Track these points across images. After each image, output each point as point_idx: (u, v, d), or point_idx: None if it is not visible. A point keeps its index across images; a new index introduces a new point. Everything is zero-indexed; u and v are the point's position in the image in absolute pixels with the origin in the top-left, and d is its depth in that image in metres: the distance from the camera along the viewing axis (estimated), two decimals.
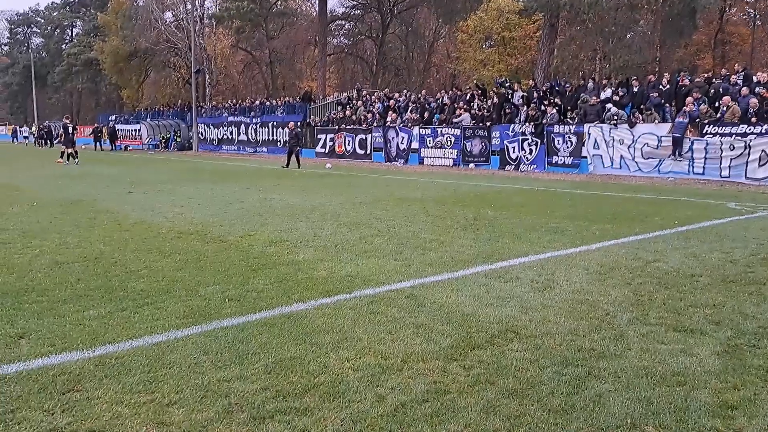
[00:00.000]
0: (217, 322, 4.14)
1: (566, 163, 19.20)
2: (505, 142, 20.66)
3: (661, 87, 18.31)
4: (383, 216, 9.12)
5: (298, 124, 25.41)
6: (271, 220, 8.70)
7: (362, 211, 9.73)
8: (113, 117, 49.35)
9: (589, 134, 18.61)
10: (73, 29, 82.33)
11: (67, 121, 25.33)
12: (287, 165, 21.01)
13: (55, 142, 44.93)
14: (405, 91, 29.04)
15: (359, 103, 27.72)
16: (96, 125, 42.34)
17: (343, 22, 50.13)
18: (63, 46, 79.99)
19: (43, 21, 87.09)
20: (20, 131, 56.12)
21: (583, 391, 3.12)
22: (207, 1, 39.54)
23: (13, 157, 29.52)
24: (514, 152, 20.47)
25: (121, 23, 45.19)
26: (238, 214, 9.23)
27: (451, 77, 49.10)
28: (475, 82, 25.65)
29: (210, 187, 13.59)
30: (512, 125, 20.57)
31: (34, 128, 51.01)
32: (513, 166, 20.34)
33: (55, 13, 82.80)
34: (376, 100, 27.60)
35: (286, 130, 23.39)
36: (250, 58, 48.87)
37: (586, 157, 18.75)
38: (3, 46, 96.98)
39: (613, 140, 18.07)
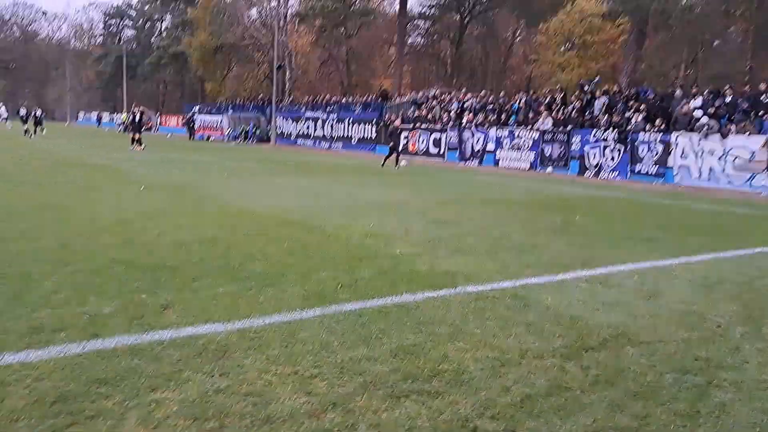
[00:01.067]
0: (336, 306, 4.41)
1: (650, 172, 18.68)
2: (586, 147, 20.31)
3: (761, 99, 17.49)
4: (470, 215, 9.25)
5: (393, 121, 23.53)
6: (362, 213, 9.00)
7: (448, 209, 9.90)
8: (196, 108, 51.59)
9: (677, 143, 18.06)
10: (163, 23, 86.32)
11: (137, 109, 26.73)
12: (384, 162, 19.78)
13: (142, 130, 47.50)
14: (482, 92, 28.93)
15: (435, 102, 27.84)
16: (187, 115, 44.34)
17: (420, 22, 50.32)
18: (152, 38, 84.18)
19: (135, 14, 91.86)
20: (115, 118, 59.37)
21: (707, 399, 3.18)
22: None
23: (106, 142, 31.35)
24: (594, 158, 20.09)
25: (210, 18, 47.17)
26: (330, 206, 9.59)
27: (527, 80, 48.42)
28: (559, 85, 25.18)
29: (297, 180, 14.11)
30: (594, 130, 20.20)
31: (124, 116, 54.00)
32: (593, 173, 19.97)
33: (147, 7, 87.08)
34: (453, 100, 27.64)
35: (391, 127, 21.83)
36: (326, 55, 49.87)
37: (672, 167, 18.20)
38: (97, 37, 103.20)
39: (703, 151, 17.47)
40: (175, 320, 3.98)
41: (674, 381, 3.39)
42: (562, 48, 39.12)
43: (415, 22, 48.61)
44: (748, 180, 16.27)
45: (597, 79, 23.87)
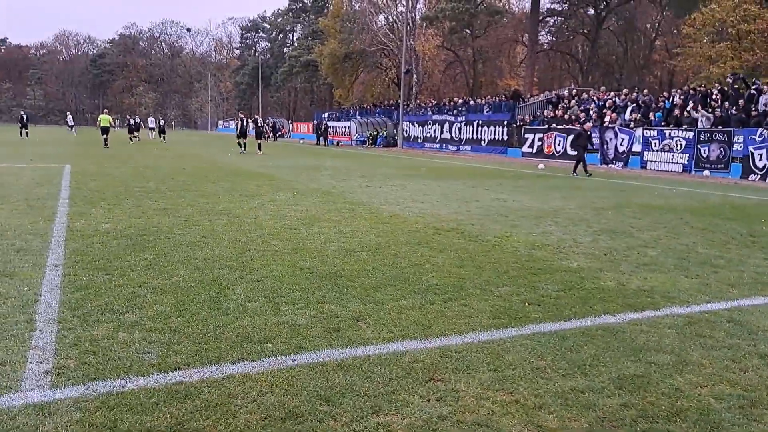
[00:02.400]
0: (533, 326, 4.13)
1: None
2: (750, 148, 18.34)
3: None
4: (638, 225, 8.55)
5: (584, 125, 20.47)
6: (518, 221, 8.62)
7: (610, 217, 9.24)
8: (326, 114, 53.56)
9: None
10: (294, 33, 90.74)
11: (242, 116, 29.87)
12: (575, 170, 18.19)
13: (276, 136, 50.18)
14: (624, 90, 27.19)
15: (573, 102, 26.58)
16: (318, 121, 46.17)
17: (551, 19, 48.54)
18: (284, 49, 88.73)
19: (269, 26, 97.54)
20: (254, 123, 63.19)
21: None
22: (419, 3, 40.82)
23: (252, 151, 33.27)
24: (761, 160, 18.09)
25: (340, 27, 48.71)
26: (482, 213, 9.30)
27: (669, 75, 45.00)
28: (729, 78, 23.02)
29: (436, 184, 13.97)
30: (760, 129, 18.18)
31: (260, 122, 57.34)
32: (759, 176, 17.99)
33: (279, 19, 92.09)
34: (592, 99, 26.23)
35: (579, 129, 19.49)
36: (452, 56, 49.59)
37: None
38: (235, 50, 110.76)
39: None
40: (371, 335, 3.90)
41: None
42: (712, 39, 35.87)
43: (545, 19, 46.99)
44: None
45: (738, 75, 21.59)
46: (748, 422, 2.88)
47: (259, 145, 28.05)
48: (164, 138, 40.81)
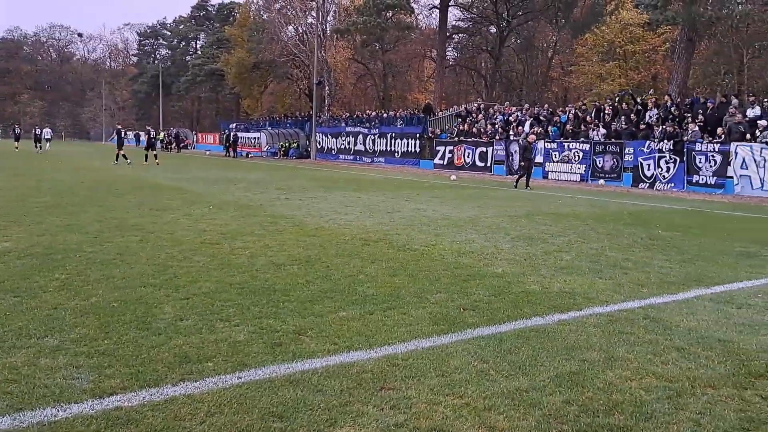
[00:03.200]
0: (471, 331, 4.26)
1: (709, 183, 18.16)
2: (640, 158, 19.87)
3: None
4: (551, 231, 9.02)
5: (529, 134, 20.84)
6: (441, 230, 8.84)
7: (524, 225, 9.68)
8: (233, 125, 52.23)
9: (737, 153, 17.52)
10: (197, 41, 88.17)
11: (120, 127, 29.37)
12: (516, 184, 18.19)
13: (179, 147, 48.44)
14: (527, 105, 28.64)
15: (480, 116, 27.65)
16: (226, 132, 44.91)
17: (457, 36, 50.30)
18: (187, 57, 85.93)
19: (169, 33, 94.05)
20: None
21: None
22: (329, 15, 41.00)
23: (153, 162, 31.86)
24: (649, 170, 19.64)
25: (248, 36, 47.85)
26: (405, 223, 9.45)
27: (565, 91, 47.90)
28: (617, 95, 24.82)
29: (356, 196, 14.05)
30: (648, 142, 19.75)
31: (162, 134, 55.03)
32: (647, 184, 19.50)
33: (181, 26, 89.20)
34: (498, 113, 27.41)
35: (524, 142, 19.32)
36: (363, 69, 50.13)
37: (731, 178, 17.64)
38: (132, 57, 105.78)
39: (765, 161, 16.90)
40: (315, 347, 3.86)
41: None
42: (602, 59, 38.66)
43: (451, 36, 48.60)
44: None
45: (626, 91, 23.51)
46: (677, 411, 3.12)
47: (146, 157, 27.28)
48: (40, 148, 39.07)
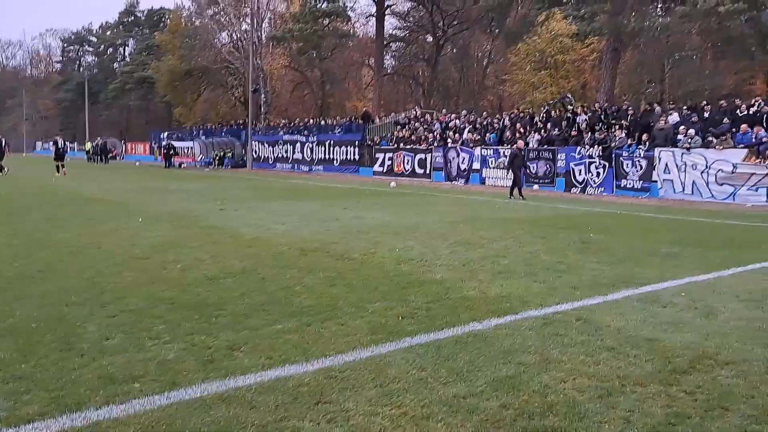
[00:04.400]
0: (409, 339, 4.24)
1: (635, 186, 18.99)
2: (571, 164, 20.57)
3: (737, 112, 18.02)
4: (488, 236, 9.18)
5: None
6: (379, 238, 8.83)
7: (463, 230, 9.81)
8: (164, 134, 50.65)
9: (660, 158, 18.40)
10: (126, 48, 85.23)
11: (58, 138, 28.60)
12: (511, 193, 17.45)
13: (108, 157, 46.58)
14: (464, 112, 29.20)
15: (418, 124, 27.97)
16: (162, 142, 43.44)
17: (394, 44, 50.82)
18: (115, 64, 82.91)
19: (96, 40, 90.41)
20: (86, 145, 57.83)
21: None
22: (264, 22, 40.55)
23: (82, 173, 30.53)
24: (580, 175, 20.35)
25: (180, 42, 46.64)
26: (344, 231, 9.40)
27: (500, 99, 49.12)
28: (554, 102, 25.66)
29: (294, 204, 13.88)
30: (579, 148, 20.48)
31: (89, 145, 52.74)
32: (579, 189, 20.21)
33: (108, 32, 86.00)
34: (436, 121, 27.80)
35: (513, 150, 18.26)
36: (300, 77, 49.81)
37: (656, 182, 18.51)
38: (56, 64, 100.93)
39: (686, 165, 17.82)
40: (249, 363, 3.75)
41: None
42: (534, 68, 39.86)
43: (389, 44, 49.07)
44: (731, 194, 16.62)
45: (561, 97, 24.43)
46: (608, 410, 3.20)
47: (58, 167, 25.88)
48: None
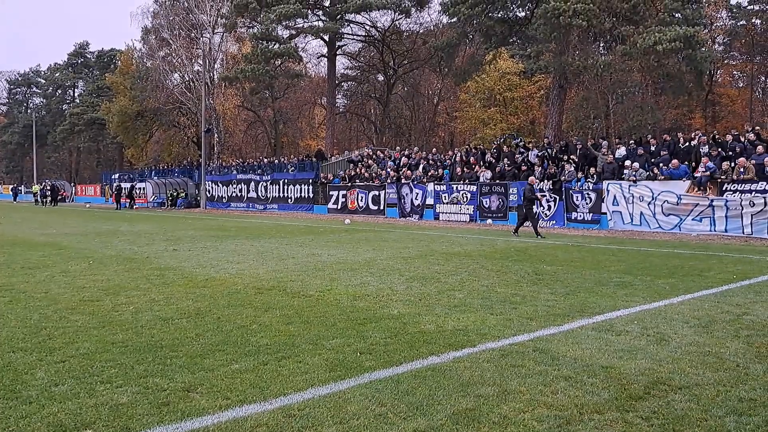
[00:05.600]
0: (368, 374, 4.21)
1: (586, 219, 19.55)
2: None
3: (679, 146, 18.92)
4: (443, 270, 9.26)
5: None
6: (335, 274, 8.80)
7: (418, 265, 9.87)
8: (116, 175, 49.57)
9: (608, 191, 19.04)
10: (75, 89, 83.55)
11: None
12: (517, 230, 16.81)
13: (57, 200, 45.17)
14: (416, 149, 29.68)
15: (371, 161, 28.25)
16: (114, 184, 42.34)
17: (346, 83, 51.58)
18: (64, 106, 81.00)
19: (44, 81, 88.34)
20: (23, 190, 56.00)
21: None
22: (216, 63, 40.57)
23: (30, 217, 29.46)
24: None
25: (130, 84, 46.10)
26: (300, 269, 9.32)
27: (451, 136, 50.26)
28: (500, 139, 26.38)
29: (249, 243, 13.70)
30: None
31: (36, 187, 50.99)
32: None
33: (57, 74, 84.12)
34: (388, 158, 28.15)
35: (526, 186, 17.11)
36: (253, 117, 49.83)
37: (605, 214, 19.11)
38: (2, 106, 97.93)
39: (633, 197, 18.49)
40: (206, 404, 3.65)
41: (737, 424, 3.43)
42: (484, 105, 41.14)
43: (340, 84, 49.76)
44: (677, 224, 17.30)
45: (519, 140, 25.22)
46: None
47: None
48: None
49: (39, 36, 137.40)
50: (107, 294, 7.25)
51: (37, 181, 59.33)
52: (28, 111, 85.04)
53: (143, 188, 42.25)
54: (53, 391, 3.85)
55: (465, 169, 23.45)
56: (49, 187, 45.98)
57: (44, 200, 45.41)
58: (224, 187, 36.16)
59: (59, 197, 47.23)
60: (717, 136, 19.58)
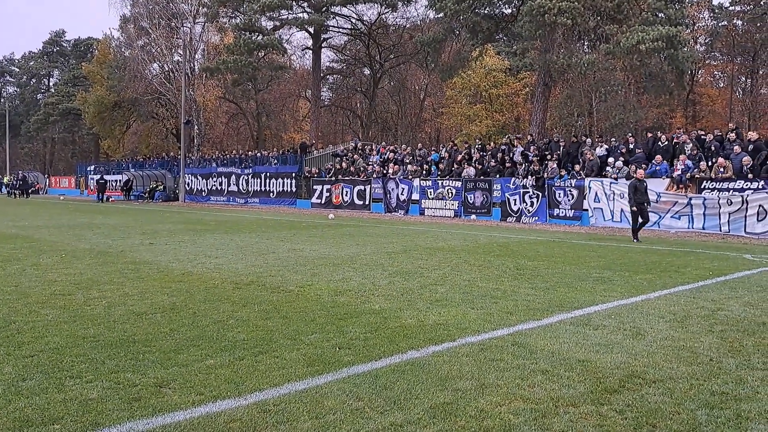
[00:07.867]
0: (346, 369, 4.17)
1: (568, 215, 19.67)
2: (507, 194, 21.14)
3: (659, 144, 19.09)
4: (426, 265, 9.25)
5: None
6: (317, 269, 8.74)
7: (401, 260, 9.84)
8: (92, 167, 48.79)
9: (590, 188, 19.17)
10: (51, 79, 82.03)
11: None
12: (636, 235, 14.46)
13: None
14: (403, 144, 29.64)
15: (356, 156, 28.15)
16: (92, 176, 41.66)
17: (332, 76, 51.32)
18: (38, 95, 79.56)
19: (18, 70, 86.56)
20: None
21: None
22: (197, 53, 40.09)
23: (0, 210, 28.92)
24: (515, 204, 20.93)
25: (108, 73, 45.35)
26: (280, 264, 9.24)
27: (437, 132, 50.28)
28: (479, 137, 26.53)
29: (229, 237, 13.57)
30: (513, 178, 21.11)
31: (7, 178, 49.99)
32: (514, 218, 20.75)
33: (31, 63, 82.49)
34: (374, 152, 28.07)
35: (632, 181, 14.45)
36: (235, 109, 49.37)
37: (587, 210, 19.25)
38: None
39: (614, 194, 18.63)
40: (178, 400, 3.58)
41: (708, 417, 3.44)
42: (470, 101, 41.25)
43: (326, 77, 49.50)
44: (657, 221, 17.47)
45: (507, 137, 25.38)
46: (543, 430, 3.22)
47: None
48: None
49: (13, 23, 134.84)
50: (79, 288, 7.11)
51: (9, 173, 58.24)
52: (1, 100, 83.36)
53: (120, 180, 41.61)
54: (21, 386, 3.75)
55: (451, 166, 23.48)
56: (20, 178, 45.09)
57: (15, 192, 44.56)
58: (204, 180, 35.82)
59: (32, 189, 46.38)
60: (702, 135, 19.76)
